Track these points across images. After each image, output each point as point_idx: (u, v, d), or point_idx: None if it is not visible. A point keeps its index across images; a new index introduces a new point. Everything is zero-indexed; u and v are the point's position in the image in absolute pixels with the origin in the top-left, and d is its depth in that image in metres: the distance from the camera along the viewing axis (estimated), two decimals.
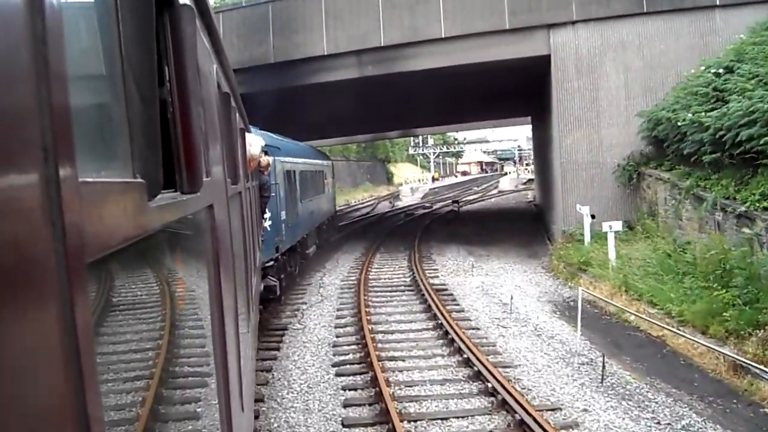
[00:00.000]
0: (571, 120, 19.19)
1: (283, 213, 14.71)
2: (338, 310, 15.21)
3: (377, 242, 25.65)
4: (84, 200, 0.83)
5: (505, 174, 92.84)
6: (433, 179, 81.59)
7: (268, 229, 12.85)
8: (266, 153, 10.10)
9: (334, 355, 11.80)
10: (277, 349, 12.26)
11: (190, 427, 1.93)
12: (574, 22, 19.10)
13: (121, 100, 1.18)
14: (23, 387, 0.65)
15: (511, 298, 14.44)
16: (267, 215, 12.12)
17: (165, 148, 1.46)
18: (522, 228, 27.84)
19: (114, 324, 1.21)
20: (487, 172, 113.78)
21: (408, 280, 18.30)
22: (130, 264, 1.33)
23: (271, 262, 13.29)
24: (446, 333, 12.40)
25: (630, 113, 18.61)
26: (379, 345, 12.00)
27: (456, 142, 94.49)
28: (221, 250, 2.68)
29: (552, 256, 19.38)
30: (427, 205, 45.90)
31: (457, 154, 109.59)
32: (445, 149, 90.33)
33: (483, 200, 49.60)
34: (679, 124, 15.18)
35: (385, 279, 18.71)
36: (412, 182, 74.28)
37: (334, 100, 25.34)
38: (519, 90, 26.96)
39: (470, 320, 13.71)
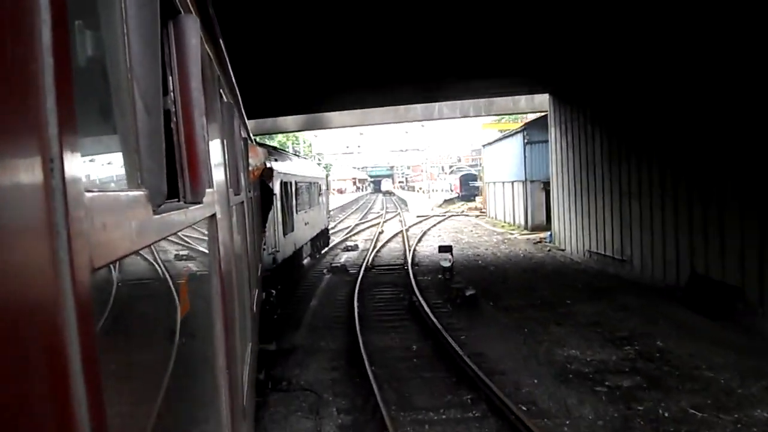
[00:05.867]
0: None
1: (281, 224, 14.78)
2: None
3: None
4: (90, 211, 0.84)
5: (388, 193, 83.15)
6: None
7: (266, 239, 12.87)
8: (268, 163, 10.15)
9: None
10: None
11: None
12: None
13: (126, 111, 1.18)
14: (27, 395, 0.66)
15: None
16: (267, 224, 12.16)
17: (168, 158, 1.47)
18: (625, 317, 13.41)
19: (118, 333, 1.21)
20: (361, 190, 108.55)
21: None
22: (134, 274, 1.33)
23: (268, 273, 13.27)
24: None
25: None
26: None
27: (320, 154, 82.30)
28: (223, 260, 2.68)
29: None
30: (351, 245, 29.17)
31: (326, 167, 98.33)
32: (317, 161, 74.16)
33: (426, 237, 31.24)
34: None
35: None
36: None
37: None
38: (533, 46, 14.80)
39: None
